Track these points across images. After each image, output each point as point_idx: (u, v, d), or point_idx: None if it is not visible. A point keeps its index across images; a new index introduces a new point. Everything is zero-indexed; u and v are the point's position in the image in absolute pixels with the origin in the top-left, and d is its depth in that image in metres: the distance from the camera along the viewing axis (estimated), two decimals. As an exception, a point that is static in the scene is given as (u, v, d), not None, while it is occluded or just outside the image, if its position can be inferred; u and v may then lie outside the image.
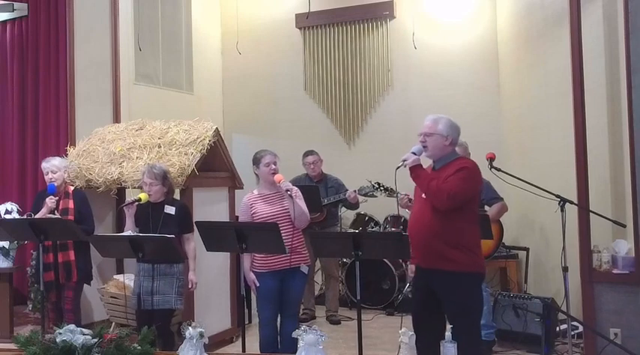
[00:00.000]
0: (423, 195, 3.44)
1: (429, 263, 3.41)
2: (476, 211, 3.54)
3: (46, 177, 4.74)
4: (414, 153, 3.46)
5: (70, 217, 4.63)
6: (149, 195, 4.18)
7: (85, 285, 4.84)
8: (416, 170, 3.43)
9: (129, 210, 4.17)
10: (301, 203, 4.06)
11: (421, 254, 3.45)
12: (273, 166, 4.06)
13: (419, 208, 3.50)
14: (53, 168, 4.72)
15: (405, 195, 3.69)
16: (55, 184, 4.66)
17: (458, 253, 3.34)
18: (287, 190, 3.98)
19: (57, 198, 4.64)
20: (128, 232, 4.12)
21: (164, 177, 4.21)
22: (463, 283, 3.37)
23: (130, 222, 4.19)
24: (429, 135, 3.46)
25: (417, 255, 3.48)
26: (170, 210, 4.19)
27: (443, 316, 3.48)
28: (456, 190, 3.30)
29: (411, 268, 3.81)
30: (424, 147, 3.47)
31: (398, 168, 3.48)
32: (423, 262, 3.47)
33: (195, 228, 3.94)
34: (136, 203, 4.14)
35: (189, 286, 4.24)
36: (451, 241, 3.31)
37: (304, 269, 4.08)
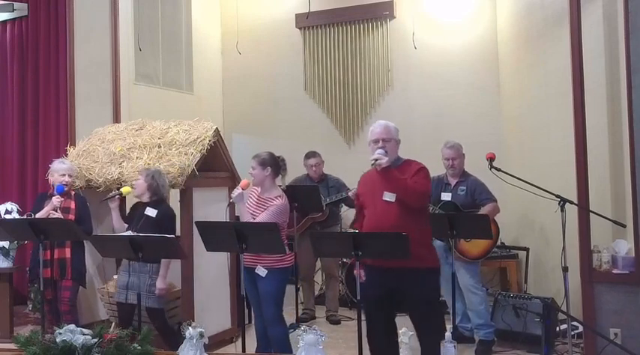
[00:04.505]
0: (386, 198, 3.48)
1: (395, 262, 3.42)
2: (428, 209, 3.75)
3: (60, 178, 4.71)
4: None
5: (71, 216, 4.66)
6: (133, 188, 4.34)
7: (80, 287, 4.84)
8: (390, 170, 3.49)
9: (112, 203, 4.31)
10: (252, 216, 4.06)
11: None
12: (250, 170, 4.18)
13: (381, 210, 3.52)
14: (70, 172, 4.78)
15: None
16: (66, 189, 4.69)
17: (423, 250, 3.47)
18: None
19: (63, 199, 4.66)
20: (128, 232, 4.16)
21: (149, 176, 4.33)
22: (427, 278, 3.51)
23: (115, 214, 4.40)
24: (388, 141, 3.60)
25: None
26: (151, 212, 4.32)
27: (394, 315, 3.60)
28: (429, 188, 3.57)
29: (360, 273, 3.57)
30: (385, 152, 3.53)
31: (373, 165, 3.52)
32: (385, 262, 3.48)
33: (194, 228, 3.95)
34: (117, 196, 4.27)
35: (155, 292, 4.27)
36: (417, 239, 3.38)
37: (260, 271, 4.07)
